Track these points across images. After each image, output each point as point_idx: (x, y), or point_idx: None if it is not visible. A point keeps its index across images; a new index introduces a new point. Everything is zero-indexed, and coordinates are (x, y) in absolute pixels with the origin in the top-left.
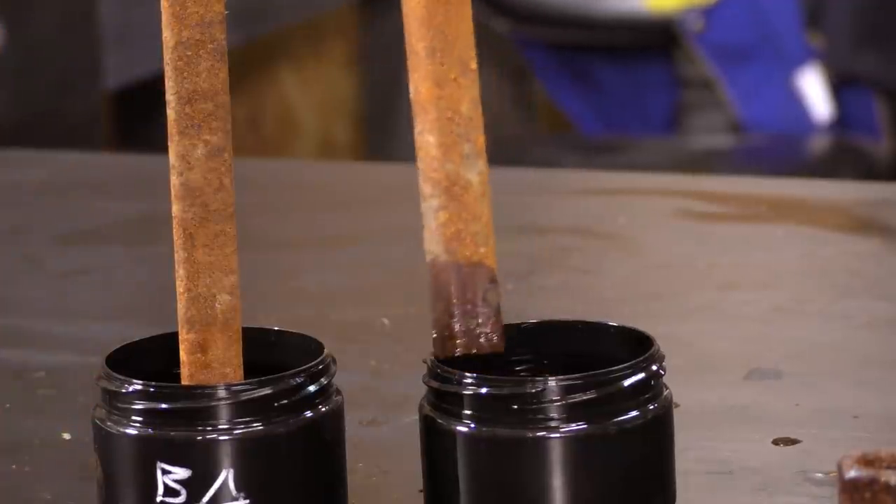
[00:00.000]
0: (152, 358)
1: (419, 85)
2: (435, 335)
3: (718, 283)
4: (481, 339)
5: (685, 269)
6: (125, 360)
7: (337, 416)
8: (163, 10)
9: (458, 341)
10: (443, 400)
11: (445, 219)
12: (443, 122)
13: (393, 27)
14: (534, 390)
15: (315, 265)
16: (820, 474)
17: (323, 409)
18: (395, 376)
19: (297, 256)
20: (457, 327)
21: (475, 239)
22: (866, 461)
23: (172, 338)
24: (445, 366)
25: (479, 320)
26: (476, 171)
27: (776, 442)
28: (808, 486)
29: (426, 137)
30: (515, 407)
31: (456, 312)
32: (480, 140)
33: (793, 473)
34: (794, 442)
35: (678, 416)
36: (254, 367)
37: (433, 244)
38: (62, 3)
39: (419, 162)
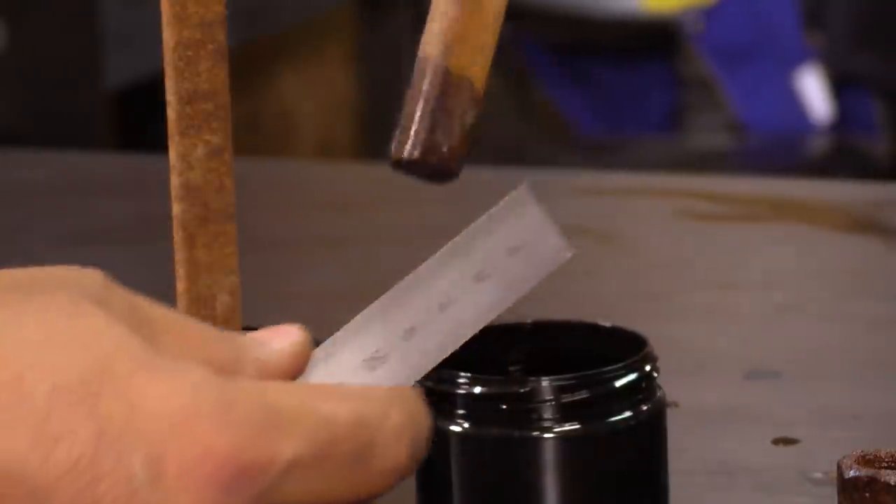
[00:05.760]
0: None
1: None
2: (398, 132)
3: (718, 283)
4: (443, 149)
5: (685, 269)
6: None
7: None
8: (163, 10)
9: (417, 145)
10: (436, 399)
11: (446, 24)
12: None
13: (393, 27)
14: (526, 390)
15: (315, 265)
16: (820, 474)
17: None
18: None
19: (297, 256)
20: (420, 127)
21: (472, 51)
22: (866, 461)
23: None
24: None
25: (446, 133)
26: None
27: (776, 442)
28: (808, 486)
29: None
30: (508, 407)
31: (426, 112)
32: None
33: (792, 473)
34: (793, 442)
35: (677, 416)
36: None
37: (427, 44)
38: (62, 3)
39: None
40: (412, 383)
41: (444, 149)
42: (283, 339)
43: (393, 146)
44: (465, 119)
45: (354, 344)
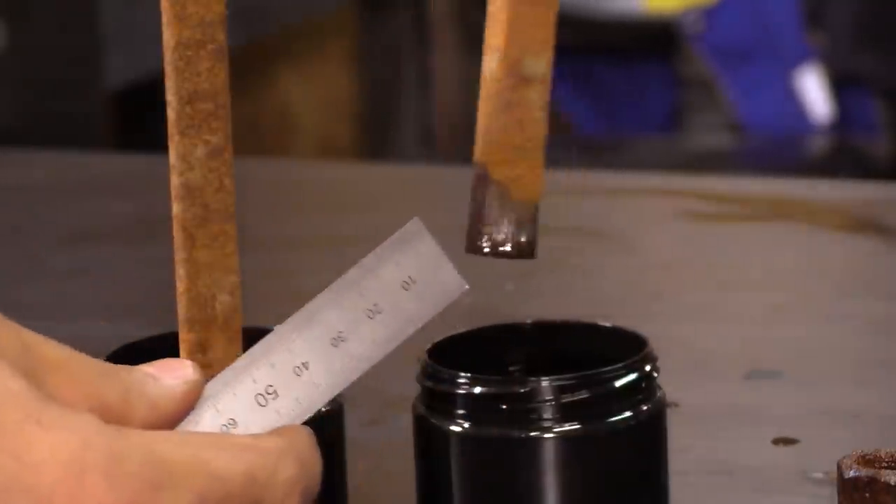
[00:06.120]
0: (152, 358)
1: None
2: (468, 225)
3: (718, 283)
4: (509, 242)
5: (685, 269)
6: (125, 361)
7: (337, 416)
8: (163, 11)
9: (488, 239)
10: (436, 400)
11: (483, 125)
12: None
13: (393, 27)
14: (526, 390)
15: (315, 265)
16: (820, 474)
17: (324, 410)
18: (395, 376)
19: (297, 256)
20: (489, 227)
21: (505, 154)
22: (866, 461)
23: (172, 338)
24: (439, 365)
25: (497, 227)
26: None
27: (776, 442)
28: (808, 486)
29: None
30: (508, 407)
31: (490, 214)
32: (542, 63)
33: (793, 473)
34: (794, 442)
35: (678, 416)
36: None
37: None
38: (62, 3)
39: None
40: (304, 419)
41: (508, 244)
42: (174, 375)
43: (467, 237)
44: (505, 216)
45: (246, 379)
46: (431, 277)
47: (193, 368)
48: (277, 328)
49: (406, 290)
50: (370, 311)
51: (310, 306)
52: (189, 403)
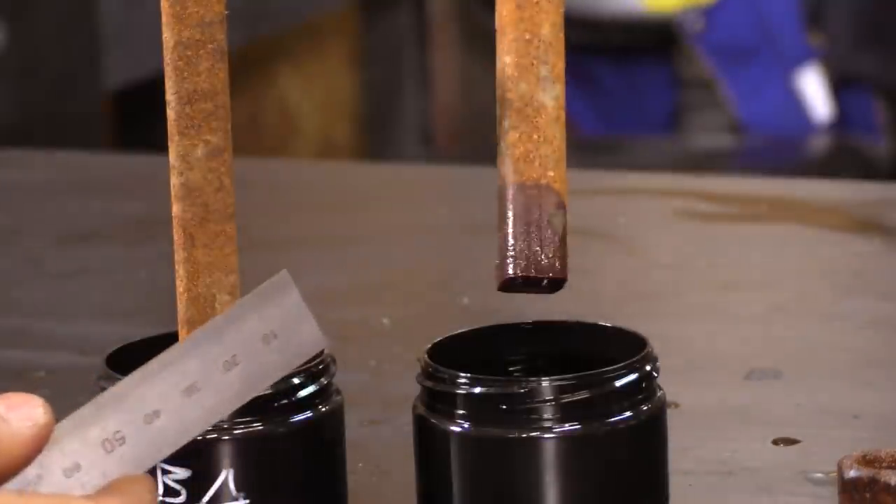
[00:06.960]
0: (152, 358)
1: (501, 7)
2: (497, 260)
3: (718, 283)
4: (543, 262)
5: (685, 269)
6: (125, 360)
7: (337, 416)
8: (163, 10)
9: (518, 262)
10: (436, 400)
11: (514, 139)
12: (521, 44)
13: (393, 27)
14: (526, 390)
15: (315, 265)
16: (820, 474)
17: (323, 409)
18: (395, 376)
19: (297, 256)
20: (518, 248)
21: (544, 161)
22: (866, 461)
23: (172, 338)
24: (440, 365)
25: (542, 243)
26: (552, 95)
27: (776, 442)
28: (808, 486)
29: (503, 58)
30: (508, 407)
31: (518, 233)
32: (559, 65)
33: (793, 473)
34: (794, 442)
35: (678, 417)
36: None
37: (502, 165)
38: (62, 3)
39: (496, 84)
40: (149, 467)
41: (544, 261)
42: (23, 415)
43: (496, 272)
44: (555, 224)
45: (96, 423)
46: (292, 333)
47: (44, 409)
48: (135, 372)
49: (266, 343)
50: (228, 362)
51: (169, 353)
52: (37, 448)
